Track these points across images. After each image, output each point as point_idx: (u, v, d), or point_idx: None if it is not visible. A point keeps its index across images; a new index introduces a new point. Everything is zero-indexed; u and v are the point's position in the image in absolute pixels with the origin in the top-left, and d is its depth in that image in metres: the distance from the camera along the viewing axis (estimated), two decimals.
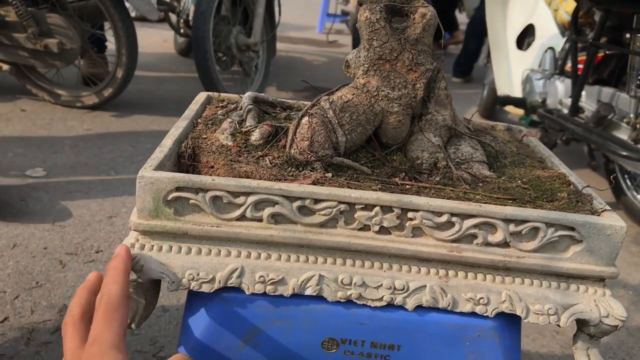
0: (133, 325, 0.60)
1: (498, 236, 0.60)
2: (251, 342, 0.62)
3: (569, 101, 2.70)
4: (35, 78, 3.37)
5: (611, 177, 2.77)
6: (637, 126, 2.38)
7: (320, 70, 5.11)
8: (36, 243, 1.98)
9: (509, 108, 3.32)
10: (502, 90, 3.43)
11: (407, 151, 0.72)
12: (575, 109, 2.64)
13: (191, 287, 0.59)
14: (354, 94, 0.68)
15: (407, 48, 0.68)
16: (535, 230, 0.60)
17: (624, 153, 2.22)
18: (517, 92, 3.30)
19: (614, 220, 0.61)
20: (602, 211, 0.63)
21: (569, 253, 0.61)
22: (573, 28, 2.66)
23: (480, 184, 0.68)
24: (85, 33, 3.26)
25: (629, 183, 2.76)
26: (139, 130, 3.20)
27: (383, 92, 0.68)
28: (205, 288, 0.59)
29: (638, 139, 2.37)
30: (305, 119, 0.66)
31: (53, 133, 3.01)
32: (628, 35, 2.51)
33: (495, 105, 3.78)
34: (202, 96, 0.85)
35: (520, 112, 3.22)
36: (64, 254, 1.93)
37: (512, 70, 3.44)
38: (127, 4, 3.19)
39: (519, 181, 0.69)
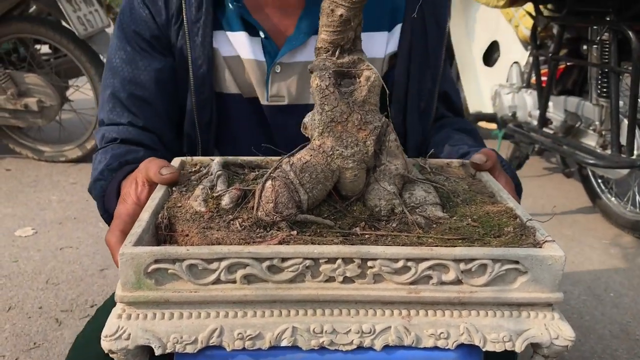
0: None
1: (451, 275, 0.66)
2: None
3: (537, 113, 2.80)
4: (18, 137, 3.43)
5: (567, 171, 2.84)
6: (603, 133, 2.47)
7: None
8: (31, 303, 2.02)
9: (482, 124, 3.42)
10: (473, 108, 3.54)
11: (366, 200, 0.78)
12: (544, 120, 2.74)
13: (176, 350, 0.65)
14: (311, 155, 0.75)
15: (355, 110, 0.75)
16: (484, 266, 0.66)
17: (592, 161, 2.31)
18: (488, 108, 3.40)
19: (554, 251, 0.67)
20: (544, 242, 0.70)
21: (517, 284, 0.67)
22: (533, 43, 2.77)
23: (434, 226, 0.74)
24: (63, 89, 3.33)
25: (602, 187, 2.85)
26: None
27: (337, 151, 0.74)
28: (190, 349, 0.65)
29: (605, 144, 2.47)
30: (269, 182, 0.73)
31: (39, 190, 3.07)
32: (585, 47, 2.62)
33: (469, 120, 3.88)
34: (175, 162, 0.92)
35: (493, 126, 3.32)
36: (60, 312, 1.97)
37: (481, 86, 3.55)
38: (102, 57, 3.27)
39: (470, 219, 0.76)
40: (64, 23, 3.20)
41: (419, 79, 1.16)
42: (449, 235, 0.71)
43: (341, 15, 0.73)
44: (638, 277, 2.40)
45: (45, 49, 3.62)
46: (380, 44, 1.14)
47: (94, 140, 3.32)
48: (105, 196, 1.01)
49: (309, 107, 0.83)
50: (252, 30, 1.10)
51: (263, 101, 1.14)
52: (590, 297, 2.25)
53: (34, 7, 3.64)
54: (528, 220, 0.74)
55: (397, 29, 1.14)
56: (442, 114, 1.25)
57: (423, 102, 1.18)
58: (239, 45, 1.10)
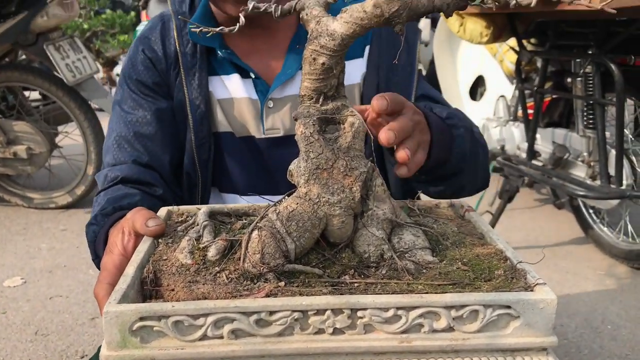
0: None
1: (442, 322, 0.65)
2: None
3: (526, 145, 2.82)
4: (6, 184, 3.41)
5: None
6: (592, 164, 2.48)
7: None
8: (19, 356, 1.97)
9: None
10: None
11: (355, 247, 0.77)
12: (532, 152, 2.75)
13: None
14: (297, 203, 0.74)
15: (340, 156, 0.74)
16: (475, 312, 0.65)
17: (582, 193, 2.31)
18: None
19: (545, 294, 0.66)
20: (535, 285, 0.69)
21: (510, 329, 0.66)
22: (518, 77, 2.81)
23: (424, 271, 0.73)
24: (53, 136, 3.33)
25: (594, 217, 2.85)
26: None
27: (324, 198, 0.74)
28: None
29: (594, 175, 2.48)
30: (255, 232, 0.72)
31: (29, 238, 3.03)
32: (570, 80, 2.66)
33: None
34: (162, 211, 0.91)
35: None
36: None
37: None
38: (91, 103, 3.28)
39: (460, 262, 0.75)
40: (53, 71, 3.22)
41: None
42: (439, 280, 0.70)
43: (323, 64, 0.73)
44: (635, 308, 2.39)
45: (35, 94, 3.64)
46: (356, 71, 1.21)
47: (84, 186, 3.31)
48: (96, 242, 1.03)
49: None
50: (243, 72, 1.19)
51: (259, 135, 1.21)
52: (587, 330, 2.23)
53: (23, 55, 3.67)
54: (518, 263, 0.74)
55: (367, 50, 1.21)
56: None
57: None
58: (232, 87, 1.19)
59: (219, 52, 1.17)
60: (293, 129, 1.18)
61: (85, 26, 6.46)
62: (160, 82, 1.20)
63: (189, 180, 1.22)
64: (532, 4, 0.60)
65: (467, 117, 1.16)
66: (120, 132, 1.18)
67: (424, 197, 1.14)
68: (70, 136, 3.45)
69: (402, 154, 0.80)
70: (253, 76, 1.18)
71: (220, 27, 0.78)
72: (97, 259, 1.05)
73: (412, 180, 1.07)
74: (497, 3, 0.62)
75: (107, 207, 1.06)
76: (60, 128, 3.59)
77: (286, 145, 1.19)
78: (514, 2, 0.62)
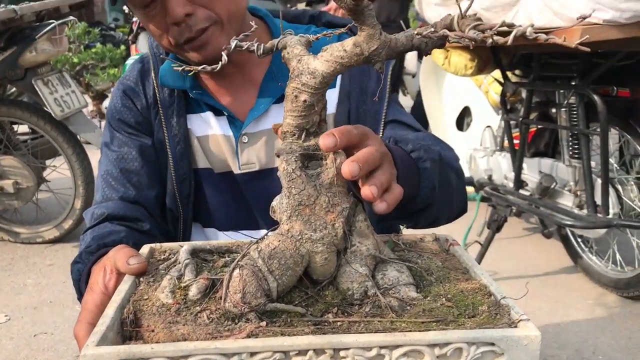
0: None
1: None
2: None
3: (513, 175, 2.84)
4: None
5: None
6: (578, 193, 2.50)
7: None
8: None
9: None
10: None
11: (338, 284, 0.77)
12: (519, 182, 2.77)
13: None
14: (280, 240, 0.74)
15: (322, 192, 0.74)
16: (459, 350, 0.65)
17: (569, 222, 2.32)
18: (465, 171, 3.44)
19: (529, 330, 0.66)
20: (519, 321, 0.68)
21: None
22: (503, 108, 2.84)
23: (408, 308, 0.73)
24: (40, 170, 3.31)
25: (582, 246, 2.86)
26: None
27: (306, 235, 0.74)
28: None
29: (581, 204, 2.49)
30: (237, 271, 0.71)
31: (14, 273, 2.99)
32: (554, 110, 2.69)
33: None
34: (144, 249, 0.90)
35: (471, 190, 3.35)
36: None
37: (455, 151, 3.60)
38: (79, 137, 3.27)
39: (444, 298, 0.75)
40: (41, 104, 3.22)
41: (358, 119, 1.20)
42: (423, 318, 0.70)
43: (305, 101, 0.74)
44: (625, 337, 2.38)
45: (23, 128, 3.63)
46: (331, 101, 1.20)
47: (71, 220, 3.28)
48: (80, 280, 1.03)
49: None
50: (216, 110, 1.21)
51: (236, 170, 1.23)
52: None
53: (13, 89, 3.67)
54: (502, 298, 0.73)
55: (339, 79, 1.23)
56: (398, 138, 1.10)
57: None
58: (208, 124, 1.22)
59: (189, 93, 1.20)
60: (269, 163, 1.22)
61: (75, 60, 6.48)
62: (142, 121, 1.23)
63: (172, 215, 1.24)
64: (509, 42, 0.61)
65: (437, 141, 1.13)
66: (107, 169, 1.21)
67: (409, 230, 1.14)
68: (59, 170, 3.44)
69: (366, 192, 0.72)
70: (226, 113, 1.21)
71: (203, 66, 0.79)
72: (81, 297, 1.04)
73: (386, 218, 1.00)
74: (474, 42, 0.63)
75: (92, 245, 1.06)
76: (48, 162, 3.58)
77: (263, 179, 1.21)
78: (490, 40, 0.63)
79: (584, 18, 0.60)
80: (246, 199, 1.24)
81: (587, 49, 0.60)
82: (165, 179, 1.23)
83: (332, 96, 1.22)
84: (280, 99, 1.16)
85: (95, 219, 1.14)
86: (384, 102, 1.21)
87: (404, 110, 1.29)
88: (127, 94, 1.24)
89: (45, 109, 3.13)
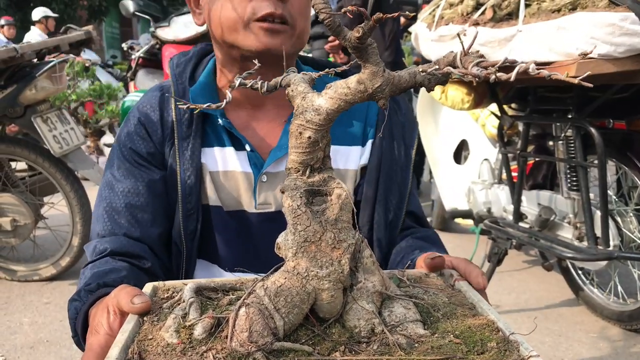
0: None
1: None
2: None
3: (512, 207, 2.84)
4: None
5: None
6: (578, 225, 2.50)
7: None
8: None
9: (459, 220, 3.44)
10: (449, 205, 3.58)
11: (345, 321, 0.76)
12: (518, 215, 2.77)
13: None
14: (285, 278, 0.73)
15: (328, 228, 0.74)
16: None
17: (570, 255, 2.31)
18: (464, 205, 3.44)
19: None
20: (529, 358, 0.67)
21: None
22: (501, 141, 2.86)
23: (416, 345, 0.72)
24: (38, 207, 3.30)
25: (584, 278, 2.84)
26: None
27: (312, 272, 0.73)
28: None
29: (581, 236, 2.49)
30: (243, 309, 0.71)
31: (10, 312, 2.95)
32: (552, 143, 2.71)
33: (446, 217, 3.92)
34: (148, 287, 0.89)
35: (470, 222, 3.34)
36: None
37: (454, 184, 3.61)
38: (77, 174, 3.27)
39: (452, 335, 0.74)
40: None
41: (386, 191, 1.22)
42: (431, 355, 0.69)
43: (309, 137, 0.74)
44: None
45: (21, 165, 3.63)
46: (354, 157, 1.24)
47: (69, 257, 3.26)
48: (77, 318, 1.01)
49: None
50: (238, 144, 1.19)
51: (251, 209, 1.21)
52: None
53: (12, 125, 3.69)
54: (511, 334, 0.73)
55: (369, 144, 1.25)
56: (408, 225, 1.29)
57: (391, 213, 1.24)
58: (226, 159, 1.20)
59: (219, 119, 1.17)
60: None
61: (74, 97, 6.52)
62: (155, 152, 1.20)
63: (176, 250, 1.22)
64: (512, 79, 0.62)
65: (439, 242, 1.26)
66: (111, 201, 1.17)
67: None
68: (56, 207, 3.42)
69: (481, 281, 0.91)
70: (248, 149, 1.19)
71: (207, 104, 0.80)
72: (76, 336, 1.02)
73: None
74: (477, 79, 0.64)
75: (92, 282, 1.04)
76: (46, 199, 3.57)
77: (277, 221, 1.18)
78: (493, 77, 0.64)
79: (586, 54, 0.61)
80: (255, 239, 1.23)
81: (590, 85, 0.61)
82: (174, 213, 1.20)
83: (357, 153, 1.24)
84: None
85: (97, 254, 1.12)
86: (408, 178, 1.26)
87: (417, 196, 1.35)
88: (142, 123, 1.20)
89: (44, 146, 3.13)
